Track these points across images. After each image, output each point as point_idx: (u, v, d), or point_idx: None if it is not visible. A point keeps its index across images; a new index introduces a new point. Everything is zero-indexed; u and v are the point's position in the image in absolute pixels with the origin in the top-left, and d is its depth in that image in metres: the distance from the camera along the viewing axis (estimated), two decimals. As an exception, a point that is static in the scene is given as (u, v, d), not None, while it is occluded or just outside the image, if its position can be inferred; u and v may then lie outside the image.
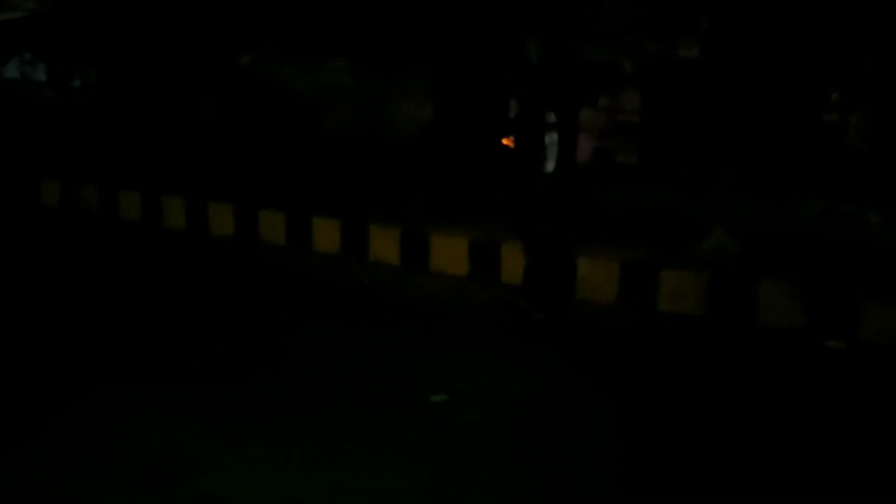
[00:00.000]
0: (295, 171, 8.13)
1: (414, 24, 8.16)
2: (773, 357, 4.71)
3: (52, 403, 3.96)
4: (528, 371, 4.49)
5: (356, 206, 7.12)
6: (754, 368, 4.57)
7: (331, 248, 6.85)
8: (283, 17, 8.79)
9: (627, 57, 7.90)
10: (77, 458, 3.43)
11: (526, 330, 5.11)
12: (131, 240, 7.51)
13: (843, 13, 7.02)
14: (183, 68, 9.36)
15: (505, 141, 6.94)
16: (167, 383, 4.21)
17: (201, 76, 9.29)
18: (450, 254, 6.29)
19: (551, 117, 5.24)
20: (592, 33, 7.50)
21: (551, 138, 5.29)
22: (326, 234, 6.89)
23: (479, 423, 3.80)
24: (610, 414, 3.96)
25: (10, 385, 4.18)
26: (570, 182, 5.30)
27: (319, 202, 7.26)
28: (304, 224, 7.04)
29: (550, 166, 5.35)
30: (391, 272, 6.38)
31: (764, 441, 3.67)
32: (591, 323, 5.24)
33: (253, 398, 4.02)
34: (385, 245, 6.59)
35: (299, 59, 8.83)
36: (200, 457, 3.43)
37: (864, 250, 5.81)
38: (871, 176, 7.16)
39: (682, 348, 4.86)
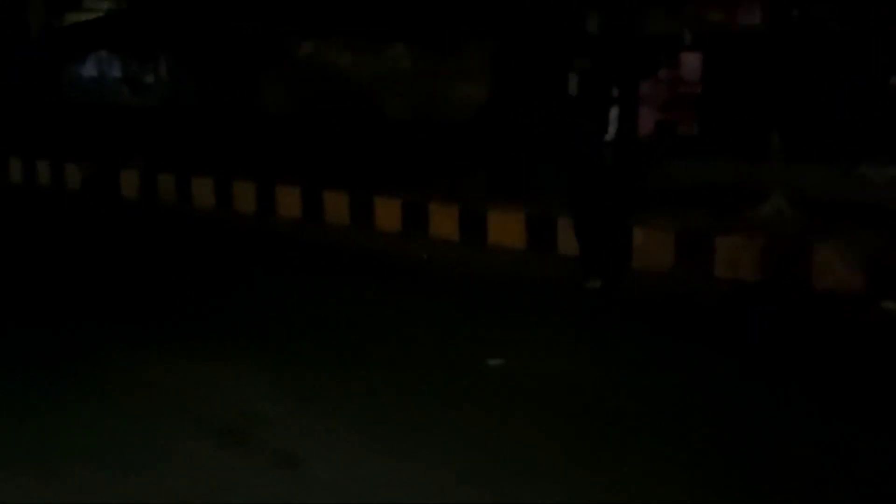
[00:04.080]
0: (356, 154, 8.33)
1: (471, 2, 8.24)
2: (830, 320, 4.71)
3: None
4: (584, 336, 4.59)
5: (416, 185, 7.27)
6: (811, 331, 4.58)
7: (392, 227, 7.03)
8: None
9: (687, 27, 7.84)
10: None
11: (582, 298, 5.20)
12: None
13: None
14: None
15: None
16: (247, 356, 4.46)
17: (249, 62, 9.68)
18: (507, 229, 6.41)
19: (613, 90, 5.27)
20: (652, 4, 7.46)
21: (612, 110, 5.31)
22: (388, 213, 7.08)
23: (534, 385, 3.93)
24: (665, 379, 4.02)
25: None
26: (630, 152, 5.34)
27: (380, 183, 7.44)
28: (366, 204, 7.23)
29: (611, 137, 5.38)
30: (451, 248, 6.53)
31: (822, 398, 3.71)
32: (648, 291, 5.29)
33: (319, 364, 4.22)
34: (444, 222, 6.74)
35: (359, 44, 9.01)
36: (274, 416, 3.64)
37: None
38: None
39: (739, 314, 4.89)
